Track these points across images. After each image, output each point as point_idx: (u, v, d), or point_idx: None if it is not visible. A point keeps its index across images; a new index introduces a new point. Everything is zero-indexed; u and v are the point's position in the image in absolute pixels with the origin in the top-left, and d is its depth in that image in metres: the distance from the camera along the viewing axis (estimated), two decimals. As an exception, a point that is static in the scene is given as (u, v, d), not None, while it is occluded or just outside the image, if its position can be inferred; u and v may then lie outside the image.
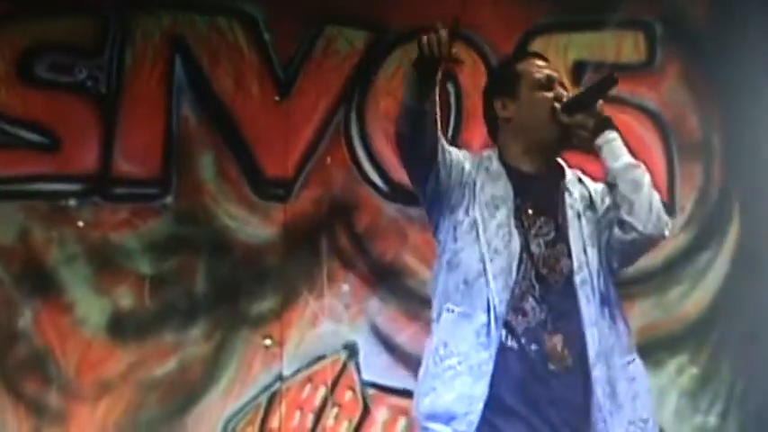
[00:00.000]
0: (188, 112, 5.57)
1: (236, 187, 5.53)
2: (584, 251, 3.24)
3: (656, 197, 3.25)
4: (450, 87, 5.57)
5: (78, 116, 5.53)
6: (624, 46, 5.68)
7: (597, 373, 3.16)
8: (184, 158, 5.56)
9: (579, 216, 3.27)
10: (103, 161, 5.54)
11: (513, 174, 3.32)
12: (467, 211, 3.25)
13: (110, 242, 5.47)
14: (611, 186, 3.26)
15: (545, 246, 3.24)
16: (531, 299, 3.20)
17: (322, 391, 5.46)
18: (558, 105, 3.27)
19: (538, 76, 3.34)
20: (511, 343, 3.18)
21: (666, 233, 3.25)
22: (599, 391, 3.16)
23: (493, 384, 3.16)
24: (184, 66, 5.60)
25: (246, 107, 5.58)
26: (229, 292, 5.48)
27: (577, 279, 3.21)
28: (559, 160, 3.46)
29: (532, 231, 3.25)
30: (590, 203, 3.31)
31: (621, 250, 3.26)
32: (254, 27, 5.62)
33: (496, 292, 3.20)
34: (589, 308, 3.20)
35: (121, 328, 5.44)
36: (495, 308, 3.18)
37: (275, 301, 5.47)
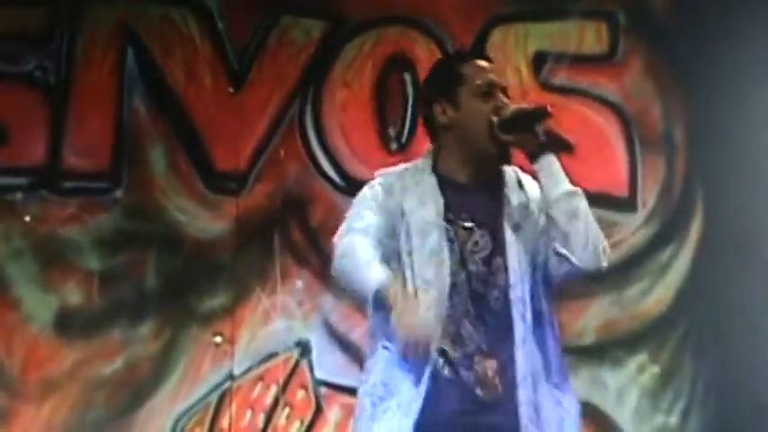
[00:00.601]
0: (139, 104, 5.53)
1: (188, 181, 5.49)
2: (520, 266, 3.12)
3: (594, 227, 3.11)
4: (408, 77, 5.56)
5: (26, 107, 5.48)
6: (586, 36, 5.68)
7: (522, 396, 3.05)
8: (135, 151, 5.51)
9: (517, 227, 3.16)
10: (52, 154, 5.48)
11: (447, 186, 3.21)
12: (398, 241, 3.14)
13: (57, 237, 5.41)
14: (548, 217, 3.12)
15: (482, 262, 3.13)
16: (467, 323, 3.09)
17: (273, 389, 5.40)
18: (495, 119, 3.15)
19: (479, 82, 3.21)
20: (447, 373, 3.08)
21: (603, 265, 3.10)
22: (524, 415, 3.04)
23: (426, 420, 3.05)
24: (136, 56, 5.56)
25: (199, 99, 5.53)
26: (179, 288, 5.42)
27: (512, 295, 3.10)
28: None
29: (468, 247, 3.14)
30: (528, 212, 3.19)
31: (557, 277, 3.13)
32: (207, 17, 5.58)
33: None
34: (522, 326, 3.08)
35: (68, 325, 5.37)
36: None
37: (226, 297, 5.41)
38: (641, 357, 5.47)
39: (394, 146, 5.53)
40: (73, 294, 5.40)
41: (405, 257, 3.08)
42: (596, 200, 5.19)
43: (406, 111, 5.53)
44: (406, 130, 5.53)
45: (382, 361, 3.12)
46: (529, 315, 3.07)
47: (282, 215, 5.50)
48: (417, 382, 3.02)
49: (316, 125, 5.58)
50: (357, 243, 3.07)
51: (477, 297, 3.09)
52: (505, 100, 3.21)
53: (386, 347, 3.12)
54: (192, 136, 5.53)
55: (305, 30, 5.61)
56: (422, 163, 3.25)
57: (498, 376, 3.05)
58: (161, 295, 5.43)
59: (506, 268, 3.10)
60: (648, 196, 5.58)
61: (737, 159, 5.56)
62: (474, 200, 3.18)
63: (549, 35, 5.64)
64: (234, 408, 5.37)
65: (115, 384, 5.36)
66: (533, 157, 3.13)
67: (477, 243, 3.14)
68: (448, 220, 3.14)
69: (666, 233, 5.57)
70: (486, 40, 5.59)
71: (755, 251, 5.50)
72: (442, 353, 3.05)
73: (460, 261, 3.11)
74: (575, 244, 3.05)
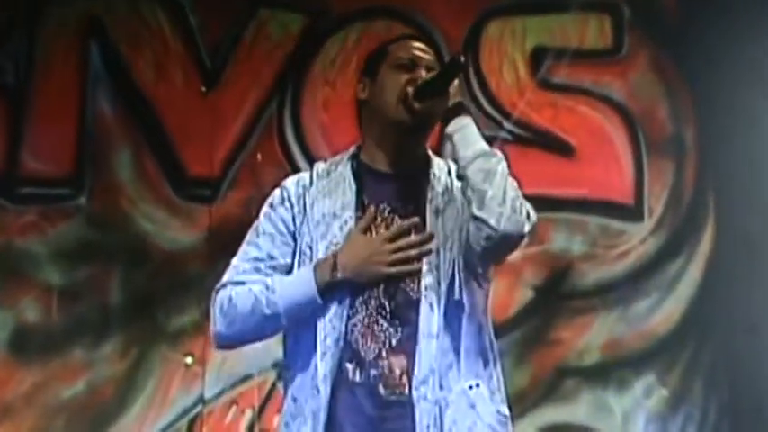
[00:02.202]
0: (104, 105, 5.46)
1: (157, 187, 5.41)
2: (437, 252, 2.99)
3: (513, 187, 2.97)
4: None
5: (-18, 109, 5.46)
6: (588, 30, 5.59)
7: (422, 393, 2.92)
8: (99, 156, 5.43)
9: (438, 212, 3.05)
10: (9, 159, 5.42)
11: (365, 174, 3.12)
12: (301, 240, 3.07)
13: (14, 248, 5.34)
14: (461, 178, 3.00)
15: None
16: (380, 319, 2.97)
17: (248, 414, 5.26)
18: (410, 90, 3.05)
19: (401, 54, 3.12)
20: (357, 376, 2.96)
21: (526, 229, 2.96)
22: (421, 417, 2.91)
23: (333, 428, 2.95)
24: (101, 53, 5.49)
25: (169, 99, 5.46)
26: (147, 304, 5.33)
27: (423, 283, 2.98)
28: (428, 152, 3.21)
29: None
30: (452, 196, 3.09)
31: (479, 251, 2.97)
32: (178, 10, 5.51)
33: (323, 327, 2.97)
34: (430, 317, 2.95)
35: (25, 344, 5.29)
36: (321, 345, 2.96)
37: (198, 314, 5.24)
38: (649, 379, 5.35)
39: (380, 149, 5.36)
40: (30, 311, 5.31)
41: (305, 250, 3.02)
42: (599, 208, 5.42)
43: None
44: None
45: (292, 379, 3.05)
46: (442, 304, 2.96)
47: (259, 224, 5.32)
48: (317, 389, 2.96)
49: (295, 127, 5.47)
50: (237, 291, 3.03)
51: (393, 291, 3.00)
52: (425, 74, 3.10)
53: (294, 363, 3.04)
54: (162, 139, 5.45)
55: (283, 24, 5.53)
56: (342, 155, 3.21)
57: (408, 373, 2.95)
58: (126, 312, 5.33)
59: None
60: (656, 204, 5.48)
61: (752, 163, 5.48)
62: (394, 188, 3.10)
63: (549, 29, 5.56)
64: (205, 434, 5.30)
65: (76, 409, 5.26)
66: (445, 120, 3.04)
67: None
68: (361, 209, 3.06)
69: (675, 244, 5.46)
70: (480, 34, 5.52)
71: (772, 263, 5.45)
72: (355, 354, 2.96)
73: None
74: (491, 203, 2.93)
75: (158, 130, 5.43)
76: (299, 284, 2.96)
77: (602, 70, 5.51)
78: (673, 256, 5.43)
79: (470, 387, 2.97)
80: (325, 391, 2.92)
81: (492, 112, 5.38)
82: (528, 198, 5.71)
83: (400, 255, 2.93)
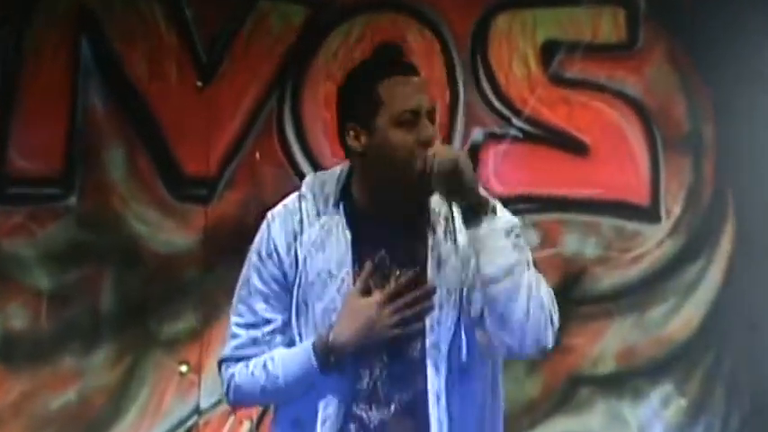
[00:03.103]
0: (96, 101, 5.41)
1: (150, 187, 5.38)
2: (440, 307, 2.85)
3: (538, 300, 2.80)
4: None
5: (-33, 106, 5.46)
6: (602, 23, 5.49)
7: None
8: (90, 154, 5.38)
9: (440, 263, 2.89)
10: None
11: (359, 218, 2.93)
12: (294, 295, 2.94)
13: (1, 251, 5.31)
14: (483, 285, 2.82)
15: None
16: (386, 382, 2.87)
17: (246, 425, 5.24)
18: (420, 166, 2.82)
19: (400, 108, 2.86)
20: None
21: (550, 345, 2.84)
22: None
23: None
24: (92, 47, 5.43)
25: (163, 94, 5.42)
26: (140, 309, 5.31)
27: (427, 341, 2.84)
28: None
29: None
30: (456, 245, 2.91)
31: (491, 351, 2.87)
32: (173, 1, 5.45)
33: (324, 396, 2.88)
34: (436, 379, 2.84)
35: (13, 351, 5.29)
36: (322, 412, 2.87)
37: (193, 320, 5.29)
38: (666, 388, 5.33)
39: (383, 147, 5.30)
40: (18, 317, 5.30)
41: (302, 305, 2.90)
42: (614, 208, 5.32)
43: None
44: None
45: None
46: (444, 364, 2.84)
47: (257, 226, 5.19)
48: None
49: (295, 124, 5.43)
50: (240, 373, 2.94)
51: (396, 348, 2.88)
52: (431, 129, 2.88)
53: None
54: (156, 136, 5.41)
55: (284, 16, 5.46)
56: (330, 182, 3.00)
57: None
58: (119, 318, 5.31)
59: None
60: (673, 204, 5.42)
61: (775, 162, 5.53)
62: (393, 234, 2.93)
63: (560, 22, 5.48)
64: (201, 446, 5.38)
65: (66, 420, 5.26)
66: (466, 221, 2.85)
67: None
68: (358, 261, 2.90)
69: (694, 246, 5.42)
70: (488, 27, 5.43)
71: (795, 266, 5.46)
72: (357, 420, 2.86)
73: None
74: (514, 327, 2.80)
75: (152, 128, 5.39)
76: (300, 367, 2.86)
77: (617, 65, 5.45)
78: (691, 259, 5.40)
79: None
80: None
81: (501, 108, 5.31)
82: (539, 199, 5.54)
83: (400, 316, 2.82)
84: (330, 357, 2.81)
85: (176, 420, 5.24)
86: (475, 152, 2.86)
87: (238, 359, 2.93)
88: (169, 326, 5.26)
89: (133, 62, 5.39)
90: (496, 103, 5.30)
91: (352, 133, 2.90)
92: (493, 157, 5.20)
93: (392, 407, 2.84)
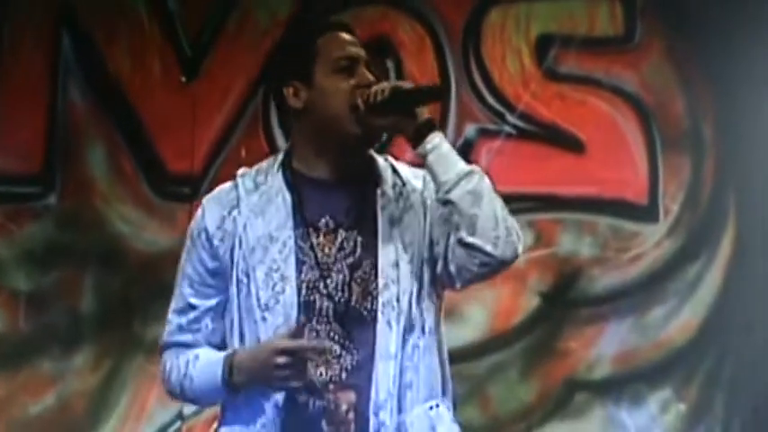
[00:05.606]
0: (76, 96, 5.45)
1: (133, 185, 5.40)
2: (396, 265, 2.89)
3: (501, 205, 2.89)
4: (390, 64, 5.43)
5: (-55, 103, 5.56)
6: (598, 17, 5.47)
7: (381, 419, 2.83)
8: (71, 151, 5.42)
9: (393, 222, 2.94)
10: None
11: (301, 183, 2.96)
12: (236, 268, 2.92)
13: None
14: (445, 203, 2.87)
15: (349, 269, 2.91)
16: (334, 344, 2.85)
17: None
18: (361, 103, 2.89)
19: (337, 54, 2.94)
20: (310, 407, 2.86)
21: (520, 250, 2.89)
22: None
23: None
24: (73, 41, 5.47)
25: (146, 90, 5.44)
26: (121, 311, 5.33)
27: (380, 300, 2.87)
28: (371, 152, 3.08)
29: (331, 254, 2.92)
30: (409, 203, 2.98)
31: (468, 276, 2.89)
32: None
33: None
34: (387, 337, 2.86)
35: None
36: None
37: None
38: (665, 393, 5.29)
39: (374, 143, 5.32)
40: None
41: (242, 278, 2.88)
42: (611, 207, 5.26)
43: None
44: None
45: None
46: (402, 322, 2.87)
47: (243, 225, 5.27)
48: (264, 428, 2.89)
49: (281, 120, 5.31)
50: (168, 363, 2.99)
51: (345, 312, 2.89)
52: (370, 76, 2.96)
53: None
54: (138, 133, 5.43)
55: (270, 10, 5.46)
56: (268, 162, 3.04)
57: (354, 410, 2.85)
58: (100, 320, 5.34)
59: (376, 270, 2.92)
60: (671, 203, 5.38)
61: (776, 159, 5.53)
62: (336, 196, 2.97)
63: (555, 16, 5.46)
64: (184, 453, 5.42)
65: (45, 425, 5.28)
66: (415, 140, 2.90)
67: (342, 247, 2.92)
68: (301, 225, 2.92)
69: (693, 246, 5.37)
70: (481, 21, 5.42)
71: (797, 267, 5.46)
72: (308, 384, 2.87)
73: (319, 273, 2.90)
74: (484, 227, 2.85)
75: (134, 124, 5.41)
76: (213, 376, 2.86)
77: (613, 59, 5.42)
78: (690, 260, 5.37)
79: (430, 408, 2.91)
80: (276, 423, 2.84)
81: (495, 104, 5.29)
82: (534, 197, 5.44)
83: (283, 373, 2.80)
84: (233, 378, 2.83)
85: (158, 426, 5.25)
86: (430, 96, 2.97)
87: (170, 345, 2.98)
88: (152, 328, 5.15)
89: (115, 56, 5.41)
90: (490, 99, 5.29)
91: (291, 90, 2.94)
92: (485, 154, 5.18)
93: (340, 369, 2.85)
